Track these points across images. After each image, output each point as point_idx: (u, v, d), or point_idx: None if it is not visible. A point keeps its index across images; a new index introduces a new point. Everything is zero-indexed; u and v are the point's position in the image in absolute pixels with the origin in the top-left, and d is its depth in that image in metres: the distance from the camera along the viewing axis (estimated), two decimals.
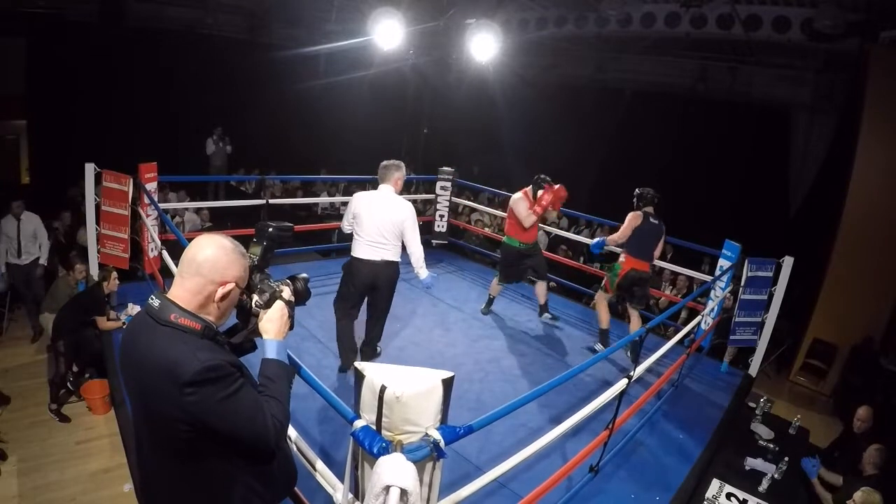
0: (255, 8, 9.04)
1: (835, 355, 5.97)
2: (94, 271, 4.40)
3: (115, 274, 4.29)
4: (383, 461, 1.40)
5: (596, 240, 4.34)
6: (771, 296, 4.34)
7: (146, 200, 4.28)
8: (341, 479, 1.74)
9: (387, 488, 1.36)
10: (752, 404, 4.08)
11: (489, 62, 6.56)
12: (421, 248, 3.46)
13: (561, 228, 5.90)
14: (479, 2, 7.21)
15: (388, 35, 5.70)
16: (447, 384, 1.50)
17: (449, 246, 6.56)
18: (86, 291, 4.38)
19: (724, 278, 4.44)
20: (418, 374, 1.51)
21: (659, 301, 6.05)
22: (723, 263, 4.53)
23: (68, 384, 4.29)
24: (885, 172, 5.51)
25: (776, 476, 3.18)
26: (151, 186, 4.35)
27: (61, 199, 6.67)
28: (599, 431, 2.79)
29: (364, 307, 3.55)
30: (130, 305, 4.19)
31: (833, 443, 4.17)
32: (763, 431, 3.73)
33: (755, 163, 7.68)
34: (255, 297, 1.41)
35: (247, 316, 1.44)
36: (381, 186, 3.42)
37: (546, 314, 4.75)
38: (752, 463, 3.30)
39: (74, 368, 4.34)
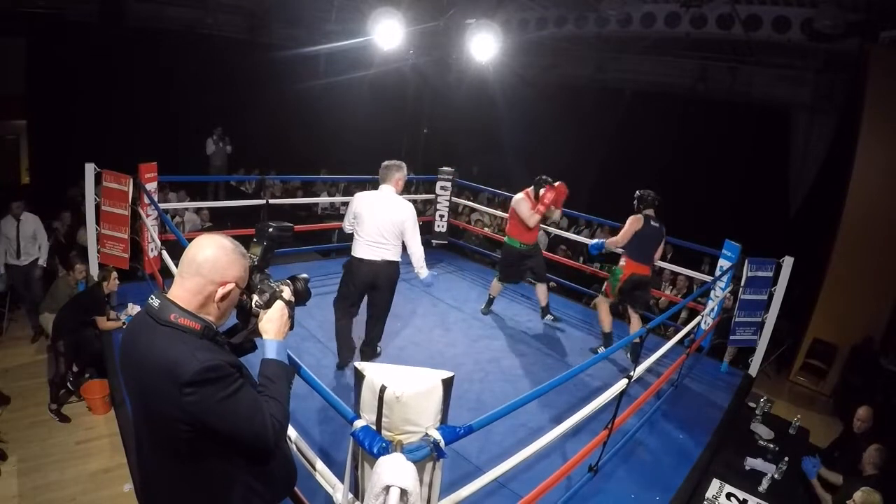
0: (255, 8, 9.04)
1: (835, 355, 5.97)
2: (94, 271, 4.40)
3: (114, 274, 4.29)
4: (383, 461, 1.40)
5: (595, 241, 4.32)
6: (771, 296, 4.34)
7: (146, 200, 4.28)
8: (341, 479, 1.74)
9: (387, 488, 1.36)
10: (752, 404, 4.08)
11: (489, 62, 6.56)
12: (421, 248, 3.46)
13: (561, 228, 5.89)
14: (479, 2, 7.21)
15: (388, 35, 5.69)
16: (447, 384, 1.50)
17: (449, 246, 6.56)
18: (86, 291, 4.38)
19: (724, 278, 4.43)
20: (418, 374, 1.51)
21: (659, 301, 6.05)
22: (723, 263, 4.53)
23: (68, 384, 4.29)
24: (885, 172, 5.51)
25: (776, 476, 3.18)
26: (151, 186, 4.35)
27: (61, 199, 6.66)
28: (599, 431, 2.79)
29: (364, 307, 3.56)
30: (130, 305, 4.19)
31: (833, 443, 4.17)
32: (763, 431, 3.73)
33: (755, 163, 7.67)
34: (255, 298, 1.41)
35: (247, 316, 1.44)
36: (381, 186, 3.42)
37: (548, 316, 4.75)
38: (752, 463, 3.31)
39: (74, 368, 4.34)
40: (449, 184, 6.29)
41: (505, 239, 4.65)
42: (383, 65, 8.74)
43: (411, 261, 3.49)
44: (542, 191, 4.34)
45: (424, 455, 1.45)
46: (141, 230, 4.44)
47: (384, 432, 1.46)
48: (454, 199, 6.46)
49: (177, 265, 1.43)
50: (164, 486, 1.30)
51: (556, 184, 4.34)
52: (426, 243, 3.79)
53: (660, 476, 3.01)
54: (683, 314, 5.85)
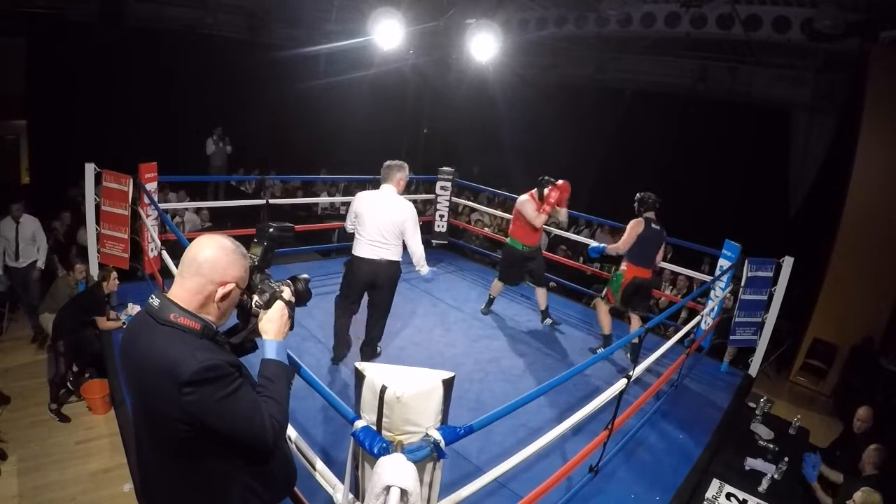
0: (255, 8, 9.04)
1: (835, 355, 5.97)
2: (94, 271, 4.40)
3: (114, 274, 4.29)
4: (384, 461, 1.40)
5: (595, 245, 4.25)
6: (771, 296, 4.34)
7: (146, 200, 4.27)
8: (341, 479, 1.74)
9: (387, 488, 1.36)
10: (752, 404, 4.08)
11: (489, 62, 6.56)
12: (422, 247, 3.47)
13: (561, 228, 5.89)
14: (479, 2, 7.21)
15: (388, 35, 5.69)
16: (447, 384, 1.50)
17: (449, 246, 6.57)
18: (86, 291, 4.38)
19: (724, 278, 4.43)
20: (419, 374, 1.51)
21: (659, 301, 6.05)
22: (723, 263, 4.53)
23: (68, 384, 4.29)
24: (885, 172, 5.51)
25: (776, 476, 3.18)
26: (151, 186, 4.34)
27: (61, 199, 6.67)
28: (599, 431, 2.79)
29: (364, 306, 3.57)
30: (130, 305, 4.19)
31: (833, 443, 4.17)
32: (763, 431, 3.73)
33: (755, 163, 7.67)
34: (256, 298, 1.41)
35: (247, 316, 1.44)
36: (383, 186, 3.43)
37: (547, 319, 4.76)
38: (752, 463, 3.30)
39: (74, 368, 4.34)
40: (449, 184, 6.29)
41: (507, 240, 4.64)
42: (383, 65, 8.74)
43: (412, 259, 3.50)
44: (546, 191, 4.33)
45: (425, 455, 1.45)
46: (141, 230, 4.44)
47: (384, 432, 1.46)
48: (454, 199, 6.46)
49: (177, 265, 1.43)
50: (164, 486, 1.30)
51: (560, 182, 4.33)
52: (426, 243, 3.81)
53: (660, 476, 3.01)
54: (683, 314, 5.85)
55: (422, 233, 3.55)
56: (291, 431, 1.83)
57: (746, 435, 3.71)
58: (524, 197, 4.43)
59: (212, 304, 1.28)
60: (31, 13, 7.08)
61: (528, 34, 8.26)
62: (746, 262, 4.29)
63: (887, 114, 5.44)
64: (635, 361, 2.99)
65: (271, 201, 5.38)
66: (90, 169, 4.14)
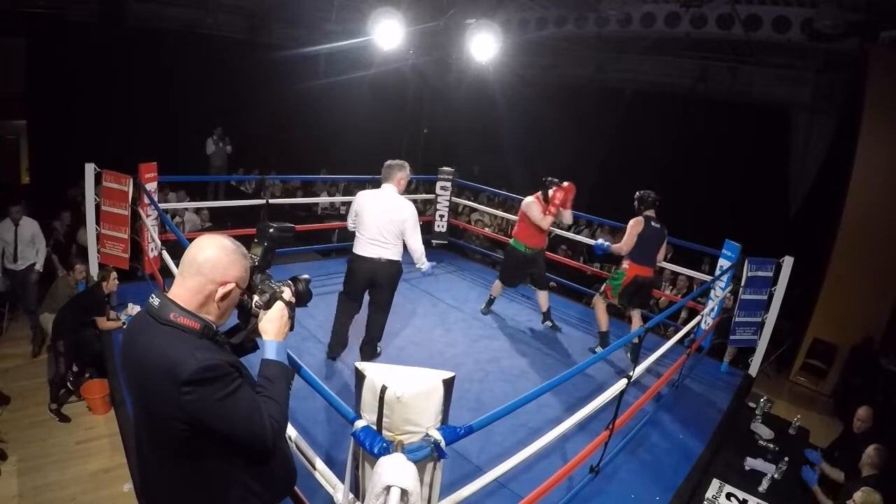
0: (255, 8, 9.04)
1: (835, 355, 5.97)
2: (94, 271, 4.40)
3: (114, 274, 4.29)
4: (384, 461, 1.40)
5: (599, 241, 4.28)
6: (771, 296, 4.34)
7: (146, 200, 4.27)
8: (342, 478, 1.74)
9: (387, 488, 1.36)
10: (752, 404, 4.08)
11: (489, 62, 6.56)
12: (422, 246, 3.49)
13: (561, 228, 5.88)
14: (479, 2, 7.21)
15: (388, 35, 5.69)
16: (448, 384, 1.50)
17: (449, 246, 6.57)
18: (86, 291, 4.38)
19: (724, 278, 4.43)
20: (419, 374, 1.52)
21: (659, 301, 6.05)
22: (723, 263, 4.53)
23: (68, 384, 4.29)
24: (885, 172, 5.51)
25: (776, 476, 3.18)
26: (151, 186, 4.34)
27: (61, 199, 6.66)
28: (599, 432, 2.79)
29: (365, 305, 3.57)
30: (130, 305, 4.19)
31: (833, 443, 4.17)
32: (763, 431, 3.73)
33: (755, 163, 7.67)
34: (256, 298, 1.41)
35: (247, 316, 1.44)
36: (383, 185, 3.43)
37: (547, 322, 4.76)
38: (752, 463, 3.31)
39: (74, 368, 4.34)
40: (449, 184, 6.29)
41: (510, 241, 4.62)
42: (383, 65, 8.74)
43: (412, 258, 3.51)
44: (550, 192, 4.32)
45: (425, 455, 1.45)
46: (141, 230, 4.44)
47: (385, 432, 1.46)
48: (454, 199, 6.46)
49: (177, 265, 1.43)
50: (164, 486, 1.30)
51: (565, 184, 4.32)
52: (426, 243, 3.82)
53: (660, 476, 3.01)
54: (683, 314, 5.85)
55: (422, 233, 3.56)
56: (291, 431, 1.83)
57: (746, 435, 3.71)
58: (529, 199, 4.41)
59: (212, 304, 1.28)
60: (31, 13, 7.08)
61: (528, 34, 8.26)
62: (746, 262, 4.29)
63: (887, 114, 5.44)
64: (636, 361, 2.99)
65: (271, 201, 5.38)
66: (90, 169, 4.14)
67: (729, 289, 4.52)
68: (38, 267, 5.18)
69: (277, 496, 1.48)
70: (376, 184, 3.50)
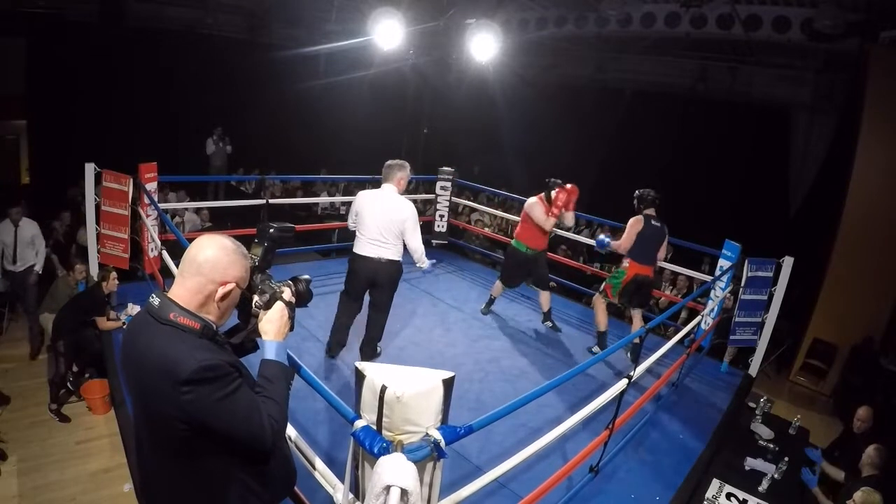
0: (255, 8, 9.04)
1: (835, 355, 5.97)
2: (94, 271, 4.40)
3: (114, 274, 4.28)
4: (384, 461, 1.40)
5: (601, 237, 4.26)
6: (771, 296, 4.34)
7: (146, 200, 4.27)
8: (341, 478, 1.74)
9: (387, 488, 1.36)
10: (752, 404, 4.08)
11: (489, 62, 6.56)
12: (422, 245, 3.49)
13: (563, 230, 5.88)
14: (479, 2, 7.21)
15: (388, 35, 5.69)
16: (448, 384, 1.50)
17: (449, 246, 6.57)
18: (86, 292, 4.38)
19: (724, 278, 4.43)
20: (419, 374, 1.52)
21: (659, 301, 6.05)
22: (723, 263, 4.53)
23: (68, 384, 4.29)
24: (885, 172, 5.51)
25: (776, 476, 3.18)
26: (151, 186, 4.34)
27: (61, 199, 6.66)
28: (600, 432, 2.79)
29: (365, 305, 3.57)
30: (130, 305, 4.18)
31: (833, 443, 4.17)
32: (763, 431, 3.73)
33: (755, 163, 7.67)
34: (256, 298, 1.41)
35: (247, 316, 1.44)
36: (383, 185, 3.43)
37: (548, 322, 4.75)
38: (752, 463, 3.30)
39: (74, 368, 4.34)
40: (449, 184, 6.29)
41: (512, 241, 4.62)
42: (383, 65, 8.74)
43: (412, 257, 3.52)
44: (553, 193, 4.32)
45: (425, 455, 1.45)
46: (141, 230, 4.44)
47: (385, 432, 1.46)
48: (454, 199, 6.46)
49: (177, 265, 1.43)
50: (164, 486, 1.30)
51: (568, 186, 4.31)
52: (426, 243, 3.82)
53: (660, 476, 3.01)
54: (683, 314, 5.85)
55: (422, 233, 3.56)
56: (291, 431, 1.83)
57: (746, 435, 3.71)
58: (533, 200, 4.40)
59: (212, 304, 1.28)
60: (31, 13, 7.08)
61: (528, 34, 8.26)
62: (746, 262, 4.29)
63: (887, 114, 5.44)
64: (636, 362, 2.99)
65: (271, 201, 5.38)
66: (90, 169, 4.14)
67: (729, 289, 4.52)
68: (38, 268, 5.17)
69: (277, 496, 1.48)
70: (376, 184, 3.50)
